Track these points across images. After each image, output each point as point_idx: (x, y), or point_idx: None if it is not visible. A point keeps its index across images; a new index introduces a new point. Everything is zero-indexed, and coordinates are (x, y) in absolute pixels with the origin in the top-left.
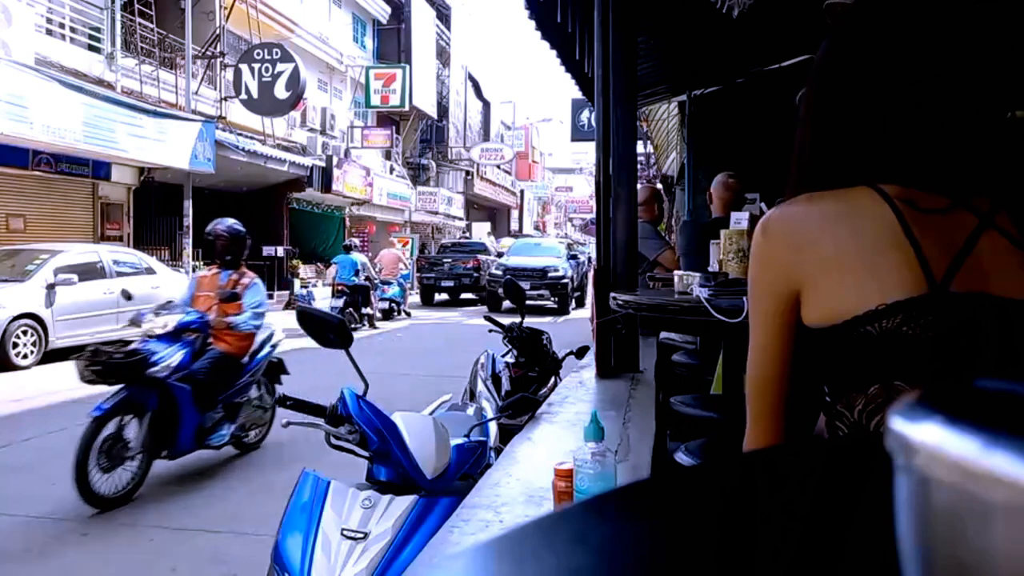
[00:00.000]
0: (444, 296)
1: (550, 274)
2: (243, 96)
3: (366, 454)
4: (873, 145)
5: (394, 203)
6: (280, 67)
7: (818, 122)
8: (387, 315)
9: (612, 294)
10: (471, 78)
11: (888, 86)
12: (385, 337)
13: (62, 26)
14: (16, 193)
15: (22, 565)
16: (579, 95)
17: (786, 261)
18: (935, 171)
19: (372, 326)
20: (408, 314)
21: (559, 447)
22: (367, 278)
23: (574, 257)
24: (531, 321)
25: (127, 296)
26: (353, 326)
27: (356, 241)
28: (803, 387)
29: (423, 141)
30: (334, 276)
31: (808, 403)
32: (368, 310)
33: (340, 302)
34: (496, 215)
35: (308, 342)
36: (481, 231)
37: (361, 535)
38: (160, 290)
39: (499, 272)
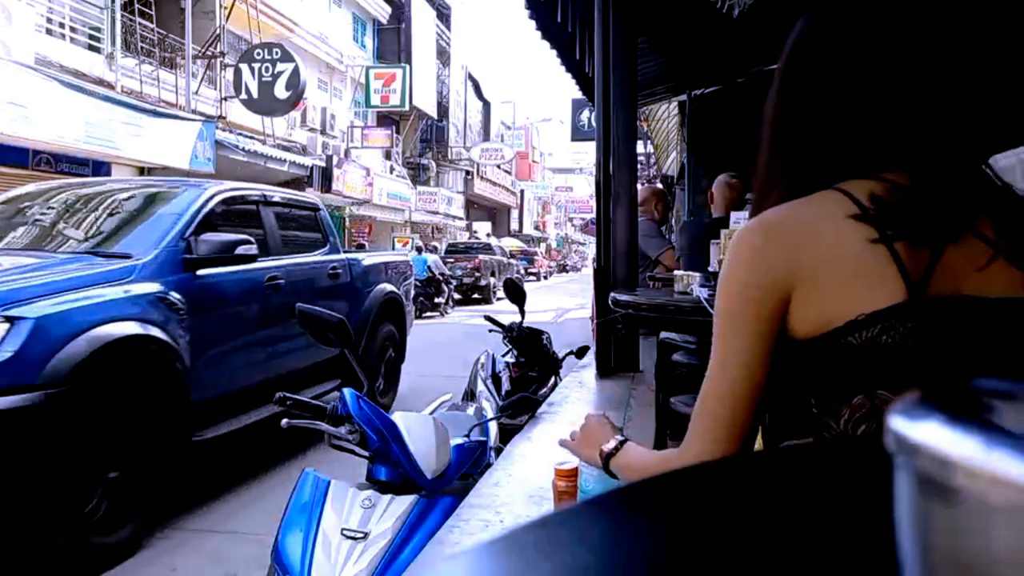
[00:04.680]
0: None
1: None
2: (243, 96)
3: (366, 454)
4: (840, 144)
5: (394, 203)
6: (280, 67)
7: (784, 123)
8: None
9: (612, 294)
10: (471, 78)
11: (851, 82)
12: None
13: (62, 26)
14: None
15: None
16: (579, 95)
17: (778, 263)
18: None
19: (443, 313)
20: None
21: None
22: (441, 274)
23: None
24: None
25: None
26: (427, 314)
27: (419, 242)
28: (787, 402)
29: (423, 141)
30: None
31: (789, 420)
32: (440, 299)
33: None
34: (496, 215)
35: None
36: (481, 231)
37: (361, 535)
38: None
39: None
